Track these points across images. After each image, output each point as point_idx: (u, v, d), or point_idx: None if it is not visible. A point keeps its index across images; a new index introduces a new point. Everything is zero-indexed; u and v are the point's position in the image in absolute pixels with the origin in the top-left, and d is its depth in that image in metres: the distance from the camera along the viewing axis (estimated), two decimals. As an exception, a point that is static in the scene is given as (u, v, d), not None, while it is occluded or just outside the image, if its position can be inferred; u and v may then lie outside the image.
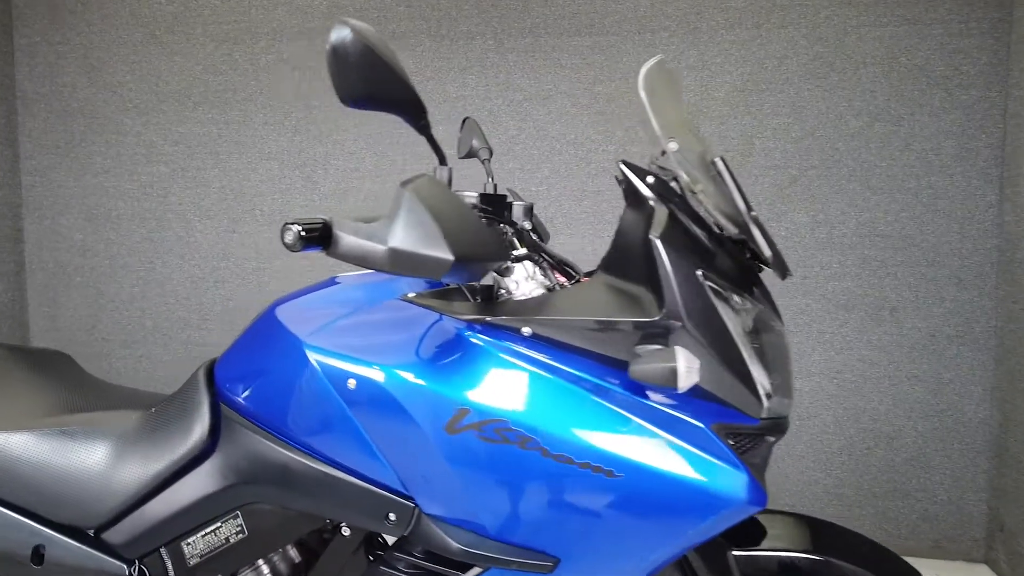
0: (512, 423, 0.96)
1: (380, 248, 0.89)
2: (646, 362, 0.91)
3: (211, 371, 1.23)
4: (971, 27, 2.49)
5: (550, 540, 0.98)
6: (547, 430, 0.96)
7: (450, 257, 0.87)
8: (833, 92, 2.58)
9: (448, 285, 1.22)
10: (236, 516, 1.14)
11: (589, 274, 1.23)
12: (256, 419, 1.12)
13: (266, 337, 1.15)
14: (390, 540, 1.15)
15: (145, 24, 2.89)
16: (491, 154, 1.49)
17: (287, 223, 0.90)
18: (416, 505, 1.03)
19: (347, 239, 0.92)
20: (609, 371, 1.00)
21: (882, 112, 2.55)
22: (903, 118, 2.54)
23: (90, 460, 1.17)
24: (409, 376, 1.01)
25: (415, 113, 1.08)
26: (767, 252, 1.05)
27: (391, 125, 2.77)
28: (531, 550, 0.99)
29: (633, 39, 2.67)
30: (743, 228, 1.06)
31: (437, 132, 2.74)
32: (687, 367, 0.89)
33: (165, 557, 1.16)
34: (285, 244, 0.90)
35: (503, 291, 1.18)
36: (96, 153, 2.95)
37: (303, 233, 0.89)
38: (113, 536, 1.16)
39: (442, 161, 1.20)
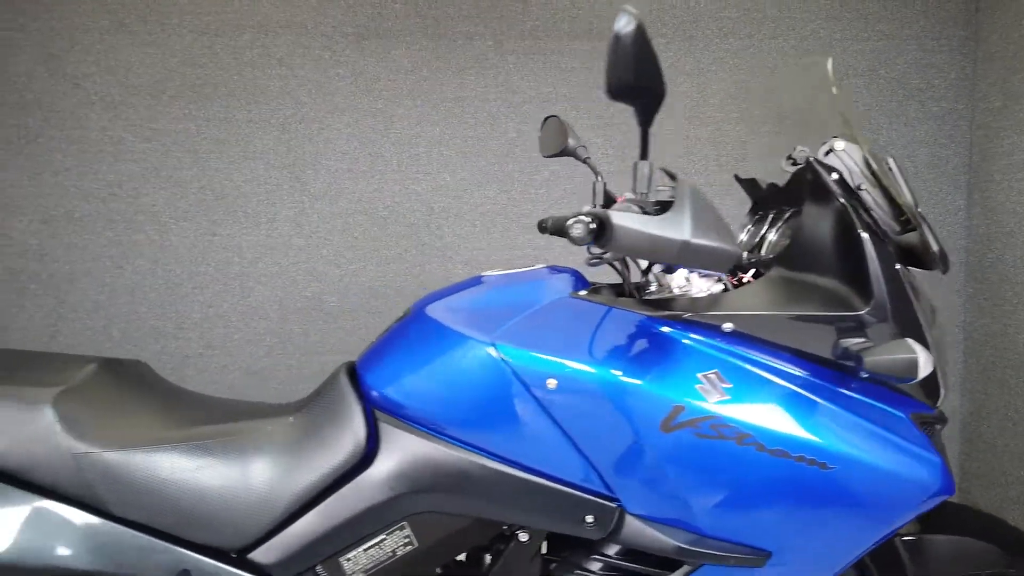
0: (728, 419, 0.96)
1: (674, 240, 0.88)
2: (882, 354, 0.93)
3: (350, 376, 1.16)
4: (942, 44, 2.70)
5: (763, 534, 0.99)
6: (762, 425, 0.97)
7: (738, 250, 0.87)
8: (820, 101, 2.72)
9: (593, 285, 1.21)
10: (403, 527, 1.07)
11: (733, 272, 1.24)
12: (422, 424, 1.07)
13: (428, 338, 1.10)
14: (530, 544, 1.12)
15: (113, 11, 2.68)
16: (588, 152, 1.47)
17: (576, 217, 0.87)
18: (620, 505, 1.01)
19: (629, 231, 0.89)
20: (805, 364, 1.02)
21: (863, 123, 2.71)
22: (882, 127, 2.72)
23: (232, 476, 1.08)
24: (618, 375, 1.00)
25: (653, 108, 1.07)
26: (935, 247, 1.10)
27: (385, 122, 2.70)
28: (743, 545, 0.99)
29: (631, 45, 2.71)
30: (915, 224, 1.10)
31: (434, 132, 2.71)
32: (925, 358, 0.92)
33: (323, 575, 1.08)
34: (574, 238, 0.88)
35: (654, 288, 1.18)
36: (55, 150, 2.71)
37: (592, 226, 0.86)
38: (262, 556, 1.07)
39: (643, 156, 1.18)
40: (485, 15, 2.70)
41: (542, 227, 1.60)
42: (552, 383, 1.00)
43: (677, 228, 0.89)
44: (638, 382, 0.99)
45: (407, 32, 2.71)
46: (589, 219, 0.89)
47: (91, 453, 1.07)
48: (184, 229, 2.74)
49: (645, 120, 1.09)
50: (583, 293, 1.12)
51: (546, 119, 1.48)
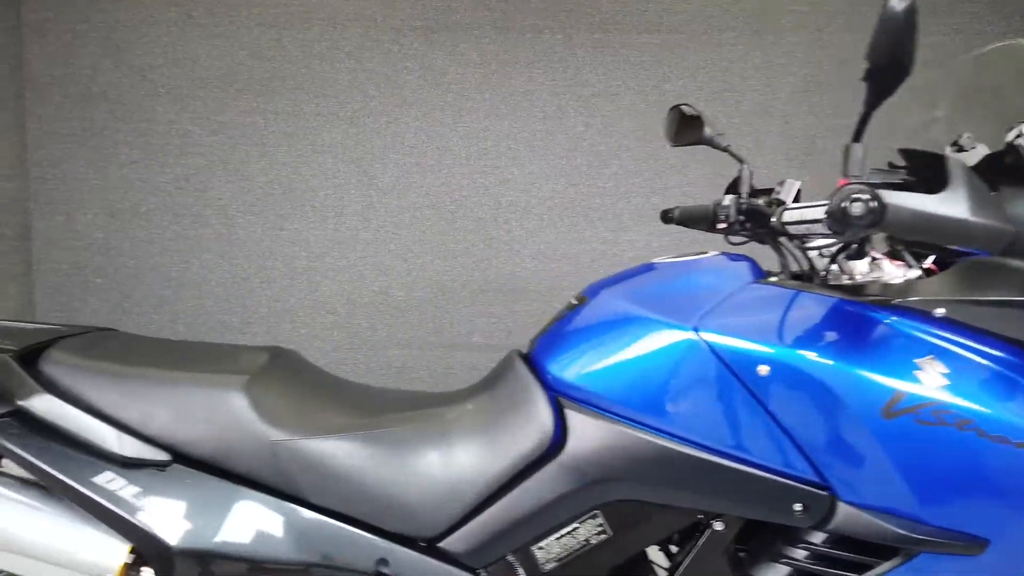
0: (949, 405, 0.96)
1: (953, 219, 0.87)
2: None
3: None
4: (1008, 38, 2.70)
5: (982, 522, 0.99)
6: (983, 411, 0.96)
7: (1012, 228, 0.86)
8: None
9: (798, 272, 1.20)
10: (595, 515, 1.06)
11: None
12: (613, 411, 1.06)
13: (618, 325, 1.08)
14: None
15: (180, 3, 2.66)
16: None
17: (854, 195, 0.86)
18: (832, 493, 1.00)
19: (906, 210, 0.88)
20: (1016, 351, 1.01)
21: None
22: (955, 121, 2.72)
23: (420, 465, 1.07)
24: (834, 361, 0.99)
25: (891, 88, 1.04)
26: None
27: (453, 116, 2.69)
28: (961, 532, 0.99)
29: (700, 39, 2.71)
30: None
31: (503, 126, 2.70)
32: None
33: (514, 563, 1.07)
34: (853, 216, 0.86)
35: (829, 274, 1.17)
36: (121, 143, 2.69)
37: (873, 204, 0.85)
38: (453, 545, 1.06)
39: (857, 138, 1.15)
40: (554, 9, 2.69)
41: (668, 217, 1.59)
42: (763, 370, 0.99)
43: (955, 206, 0.88)
44: (856, 368, 0.98)
45: (476, 25, 2.70)
46: (868, 196, 0.87)
47: (287, 440, 1.05)
48: (251, 223, 2.72)
49: (874, 101, 1.07)
50: (774, 279, 1.11)
51: (673, 108, 1.46)
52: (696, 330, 1.03)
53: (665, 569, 1.16)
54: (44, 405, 1.01)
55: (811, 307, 1.05)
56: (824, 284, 1.12)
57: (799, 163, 2.72)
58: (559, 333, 1.15)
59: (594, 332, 1.11)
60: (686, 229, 2.73)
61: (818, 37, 2.71)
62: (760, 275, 1.13)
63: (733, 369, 1.01)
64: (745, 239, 1.43)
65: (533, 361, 1.16)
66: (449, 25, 2.69)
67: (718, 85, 2.73)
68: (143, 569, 1.02)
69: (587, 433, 1.05)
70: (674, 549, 1.13)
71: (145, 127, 2.68)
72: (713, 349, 1.02)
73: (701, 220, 1.47)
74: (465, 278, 2.76)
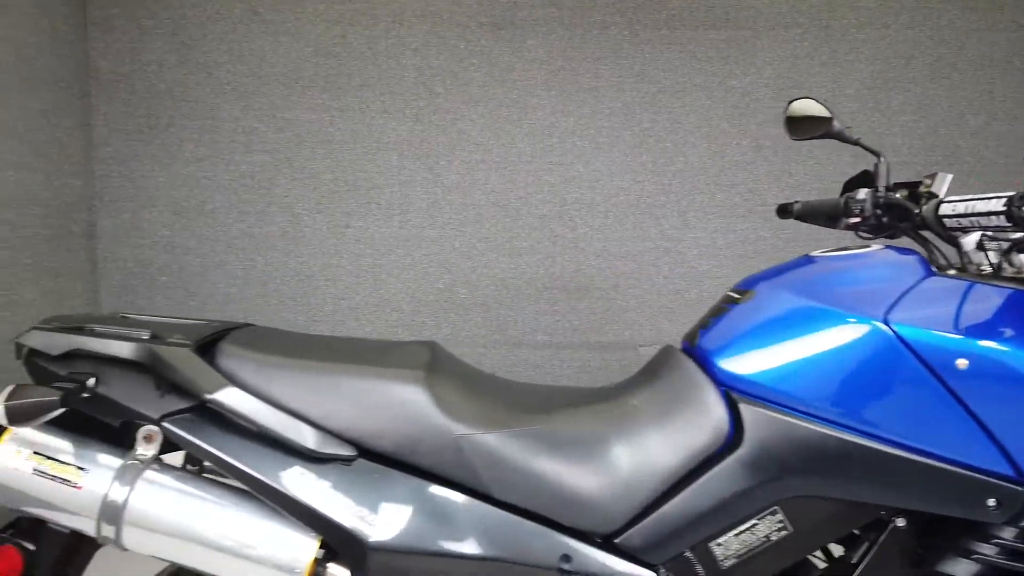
0: None
1: None
2: None
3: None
4: (1076, 34, 2.70)
5: None
6: None
7: None
8: (955, 92, 2.72)
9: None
10: (775, 511, 1.06)
11: None
12: (791, 406, 1.05)
13: (796, 319, 1.07)
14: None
15: (245, 0, 2.65)
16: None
17: None
18: None
19: None
20: None
21: (999, 111, 2.71)
22: (1018, 118, 2.72)
23: (596, 461, 1.06)
24: None
25: None
26: None
27: (519, 112, 2.68)
28: None
29: (767, 35, 2.71)
30: None
31: (568, 123, 2.69)
32: None
33: (693, 560, 1.06)
34: None
35: (1002, 268, 1.15)
36: (187, 140, 2.68)
37: None
38: (631, 540, 1.05)
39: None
40: (621, 4, 2.69)
41: (786, 211, 1.58)
42: (963, 363, 0.98)
43: None
44: None
45: (543, 22, 2.69)
46: None
47: (471, 435, 1.05)
48: (317, 221, 2.71)
49: None
50: (952, 272, 1.10)
51: (793, 100, 1.44)
52: (886, 322, 1.02)
53: (825, 562, 1.15)
54: (233, 399, 0.99)
55: (1002, 301, 1.04)
56: (1000, 277, 1.11)
57: (866, 160, 2.72)
58: (727, 328, 1.14)
59: (769, 326, 1.10)
60: (754, 226, 2.73)
61: (884, 34, 2.71)
62: (929, 269, 1.12)
63: (928, 362, 1.00)
64: (870, 235, 1.42)
65: (698, 357, 1.15)
66: (516, 21, 2.69)
67: (784, 81, 2.72)
68: (329, 565, 1.02)
69: (765, 428, 1.04)
70: (861, 546, 1.12)
71: (211, 124, 2.67)
72: (905, 341, 1.01)
73: (825, 215, 1.46)
74: (529, 275, 2.75)
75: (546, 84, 2.70)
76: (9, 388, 0.96)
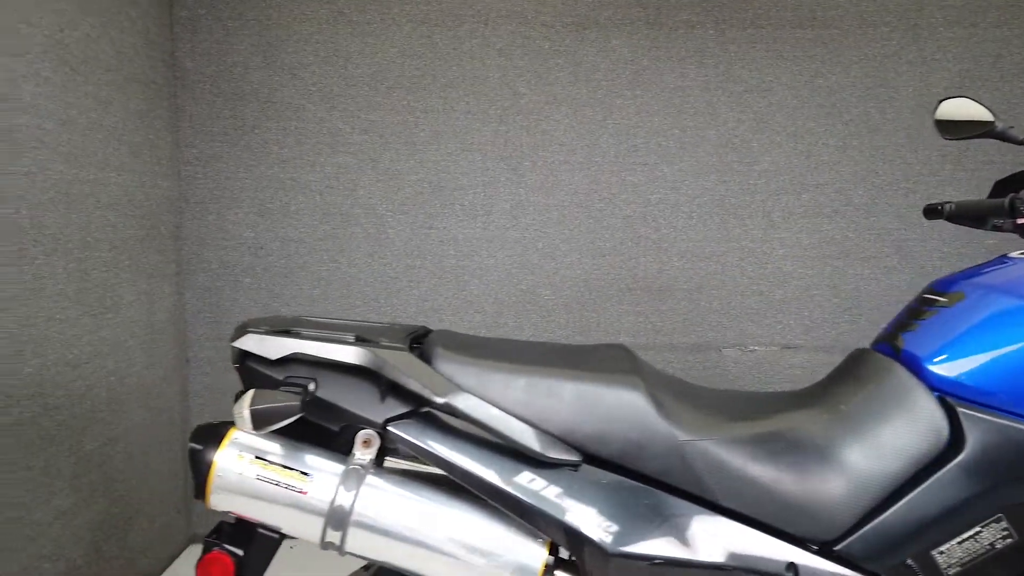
0: None
1: None
2: None
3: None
4: None
5: None
6: None
7: None
8: (1045, 90, 2.69)
9: None
10: (999, 519, 1.04)
11: None
12: (1013, 410, 1.03)
13: (1009, 319, 1.05)
14: None
15: (331, 1, 2.65)
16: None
17: None
18: None
19: None
20: None
21: (1091, 110, 2.68)
22: (1109, 116, 2.68)
23: (814, 468, 1.05)
24: None
25: None
26: None
27: (603, 112, 2.67)
28: None
29: (855, 33, 2.68)
30: None
31: (653, 123, 2.67)
32: None
33: (915, 568, 1.04)
34: None
35: None
36: (271, 141, 2.67)
37: None
38: (851, 548, 1.04)
39: None
40: (707, 4, 2.67)
41: (935, 212, 1.56)
42: None
43: None
44: None
45: (627, 21, 2.68)
46: None
47: (694, 441, 1.04)
48: (400, 222, 2.70)
49: None
50: None
51: (943, 100, 1.41)
52: None
53: None
54: (465, 403, 0.98)
55: None
56: None
57: (954, 160, 2.69)
58: (939, 331, 1.12)
59: (987, 329, 1.08)
60: (840, 227, 2.70)
61: (972, 32, 2.68)
62: None
63: None
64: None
65: (906, 361, 1.13)
66: (600, 21, 2.67)
67: (871, 80, 2.70)
68: (557, 573, 1.00)
69: (987, 433, 1.03)
70: None
71: (295, 126, 2.67)
72: None
73: (980, 215, 1.43)
74: (612, 276, 2.74)
75: (631, 84, 2.69)
76: (250, 393, 0.96)
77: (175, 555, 2.60)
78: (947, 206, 1.53)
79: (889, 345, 1.20)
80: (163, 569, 2.50)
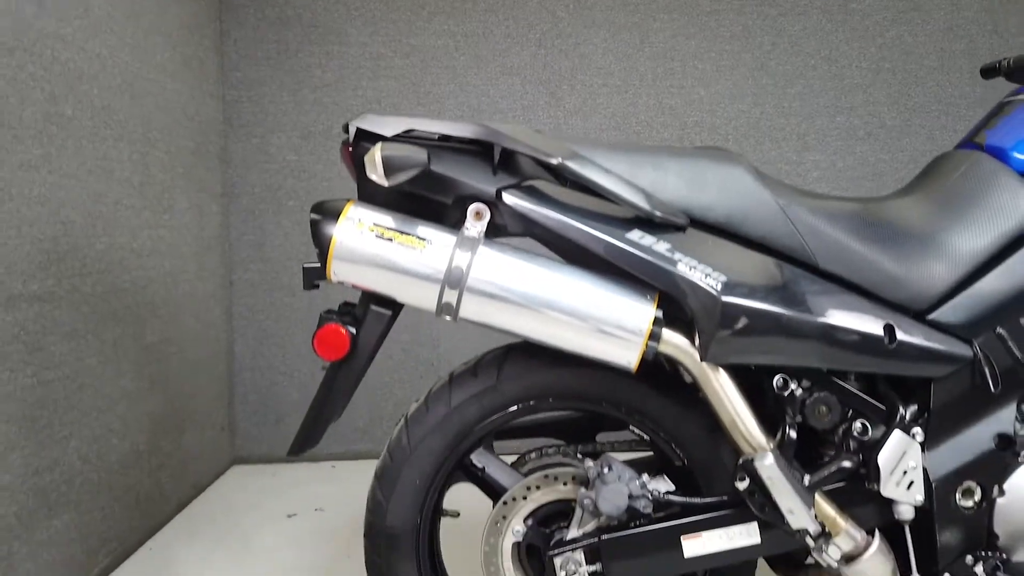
0: None
1: None
2: None
3: None
4: None
5: None
6: None
7: None
8: (1073, 12, 2.74)
9: None
10: None
11: None
12: None
13: None
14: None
15: (373, -73, 2.70)
16: None
17: None
18: None
19: None
20: None
21: (1118, 32, 2.73)
22: None
23: (913, 239, 1.10)
24: None
25: None
26: None
27: (640, 36, 2.71)
28: None
29: (886, -42, 2.74)
30: None
31: (689, 46, 2.68)
32: None
33: (1005, 336, 1.09)
34: None
35: None
36: (314, 66, 2.72)
37: None
38: (944, 316, 1.08)
39: None
40: (741, -71, 2.72)
41: (992, 70, 1.60)
42: None
43: None
44: None
45: (664, -54, 2.73)
46: None
47: (794, 204, 1.08)
48: (442, 144, 2.74)
49: None
50: None
51: None
52: None
53: None
54: (579, 163, 1.02)
55: None
56: None
57: (981, 83, 2.74)
58: (1021, 124, 1.16)
59: None
60: (873, 149, 2.74)
61: (1002, -44, 2.74)
62: None
63: None
64: None
65: (989, 152, 1.18)
66: (637, -53, 2.72)
67: (904, 4, 2.75)
68: (666, 329, 1.04)
69: None
70: None
71: (338, 50, 2.71)
72: None
73: None
74: (649, 199, 2.78)
75: (667, 7, 2.74)
76: (379, 144, 0.99)
77: (220, 472, 2.63)
78: (1004, 62, 1.58)
79: (972, 143, 1.25)
80: (209, 483, 2.53)
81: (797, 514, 1.03)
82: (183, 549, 1.99)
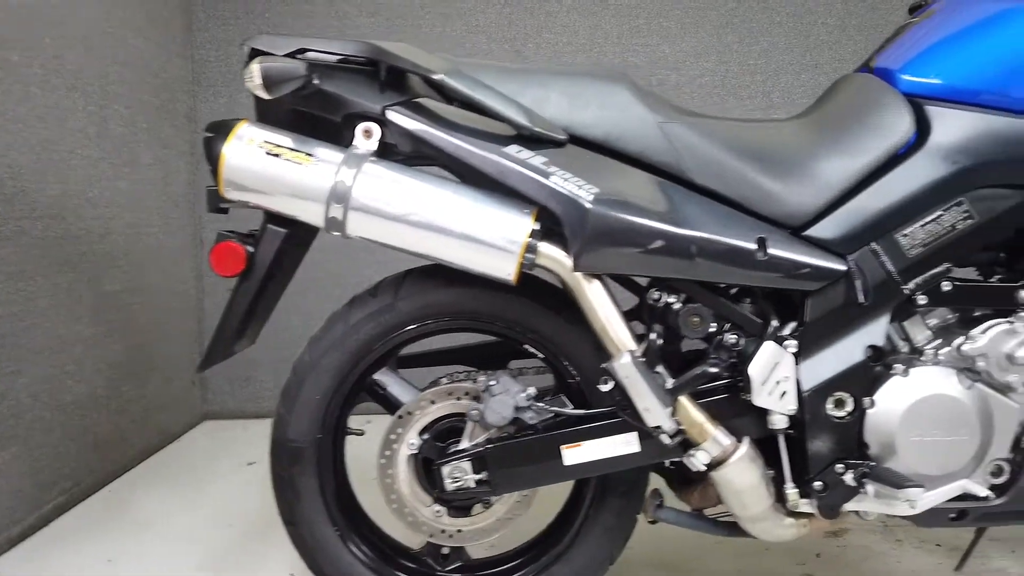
0: None
1: None
2: None
3: None
4: None
5: None
6: None
7: None
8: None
9: None
10: (960, 203, 1.11)
11: None
12: (983, 102, 1.09)
13: (989, 20, 1.11)
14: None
15: None
16: None
17: None
18: None
19: None
20: None
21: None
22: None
23: (790, 156, 1.13)
24: None
25: None
26: None
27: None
28: None
29: (853, -87, 2.72)
30: None
31: (654, 4, 2.68)
32: None
33: (879, 251, 1.11)
34: None
35: None
36: (281, 25, 2.75)
37: None
38: (820, 232, 1.11)
39: None
40: None
41: (918, 7, 1.61)
42: None
43: None
44: None
45: (629, -97, 2.72)
46: None
47: (673, 123, 1.10)
48: (408, 103, 2.76)
49: None
50: None
51: None
52: None
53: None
54: (460, 78, 1.05)
55: None
56: None
57: (951, 37, 2.72)
58: (910, 44, 1.18)
59: (966, 32, 1.13)
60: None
61: (971, -90, 2.71)
62: None
63: None
64: None
65: (877, 74, 1.20)
66: (602, -97, 2.72)
67: (870, -41, 2.73)
68: (542, 243, 1.07)
69: (952, 123, 1.09)
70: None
71: (306, 9, 2.74)
72: None
73: None
74: (615, 158, 2.79)
75: (632, -35, 2.74)
76: (258, 59, 1.02)
77: (191, 425, 2.69)
78: None
79: (864, 67, 1.27)
80: (179, 434, 2.59)
81: (653, 412, 1.06)
82: (141, 493, 2.05)
